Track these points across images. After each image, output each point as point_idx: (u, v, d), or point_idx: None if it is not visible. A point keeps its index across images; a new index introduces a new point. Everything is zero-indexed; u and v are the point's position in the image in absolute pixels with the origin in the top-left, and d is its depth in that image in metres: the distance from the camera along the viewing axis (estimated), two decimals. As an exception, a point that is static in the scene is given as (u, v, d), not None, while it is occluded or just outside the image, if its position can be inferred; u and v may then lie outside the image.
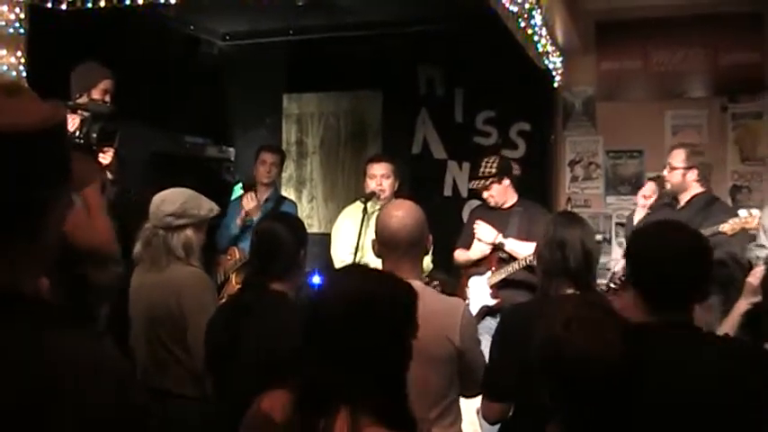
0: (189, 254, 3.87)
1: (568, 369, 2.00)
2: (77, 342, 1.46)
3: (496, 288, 5.51)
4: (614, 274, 5.49)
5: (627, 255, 2.65)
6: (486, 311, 5.44)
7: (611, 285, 5.27)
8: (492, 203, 5.68)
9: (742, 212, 5.02)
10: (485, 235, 5.55)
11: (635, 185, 7.21)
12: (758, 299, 3.24)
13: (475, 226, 5.61)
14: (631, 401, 2.06)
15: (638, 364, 2.24)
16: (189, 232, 3.88)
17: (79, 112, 4.00)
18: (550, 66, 6.81)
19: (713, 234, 4.74)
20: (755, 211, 5.03)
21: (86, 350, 1.46)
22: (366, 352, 1.97)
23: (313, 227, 8.11)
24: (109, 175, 4.18)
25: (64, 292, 3.06)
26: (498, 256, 5.55)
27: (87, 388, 1.38)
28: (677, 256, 2.47)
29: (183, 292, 3.72)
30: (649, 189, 5.87)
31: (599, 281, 5.24)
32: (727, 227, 4.87)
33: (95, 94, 4.59)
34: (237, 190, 7.22)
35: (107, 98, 4.63)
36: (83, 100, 4.49)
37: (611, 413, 2.01)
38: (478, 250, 5.62)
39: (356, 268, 2.48)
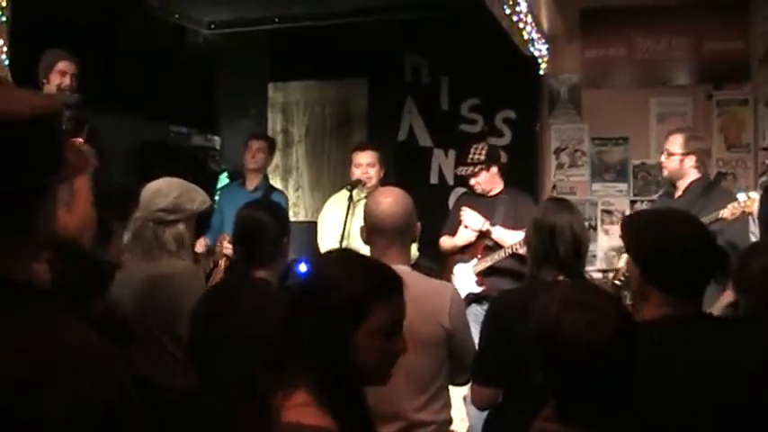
0: (180, 248, 3.83)
1: (563, 351, 2.00)
2: (69, 327, 1.46)
3: (482, 276, 5.52)
4: (617, 270, 5.34)
5: (637, 250, 2.58)
6: (471, 299, 5.44)
7: (616, 282, 5.21)
8: (479, 191, 5.67)
9: (740, 196, 4.84)
10: (472, 222, 5.54)
11: (620, 173, 7.24)
12: None
13: (462, 213, 5.61)
14: (636, 388, 2.05)
15: (658, 358, 2.25)
16: (181, 227, 3.81)
17: None
18: (536, 53, 6.82)
19: (713, 221, 4.67)
20: (754, 194, 4.83)
21: (78, 335, 1.46)
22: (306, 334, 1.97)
23: (299, 215, 8.11)
24: None
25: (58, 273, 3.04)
26: (484, 243, 5.55)
27: (81, 371, 1.39)
28: (695, 245, 2.47)
29: (175, 287, 3.66)
30: None
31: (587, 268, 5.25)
32: (726, 212, 4.71)
33: (55, 77, 4.59)
34: (223, 179, 7.22)
35: (66, 80, 4.62)
36: (49, 89, 4.48)
37: (608, 398, 2.00)
38: (464, 237, 5.62)
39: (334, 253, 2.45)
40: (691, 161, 5.15)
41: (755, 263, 3.02)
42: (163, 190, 3.83)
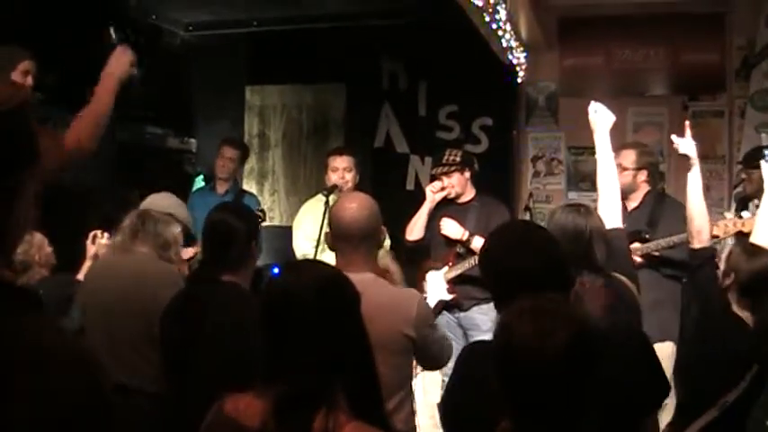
0: (173, 247, 3.84)
1: (513, 358, 1.98)
2: (37, 326, 1.43)
3: (453, 283, 5.51)
4: None
5: (486, 268, 2.68)
6: (442, 306, 5.44)
7: None
8: (452, 194, 5.63)
9: (728, 215, 4.87)
10: (451, 231, 5.52)
11: (596, 182, 7.26)
12: None
13: (441, 222, 5.58)
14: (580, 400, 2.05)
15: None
16: (177, 229, 3.89)
17: None
18: (514, 61, 6.83)
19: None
20: (747, 214, 4.83)
21: (47, 335, 1.43)
22: (340, 342, 1.99)
23: (275, 220, 8.09)
24: None
25: None
26: (455, 251, 5.53)
27: (46, 372, 1.36)
28: (538, 258, 2.52)
29: (156, 287, 3.61)
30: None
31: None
32: (719, 231, 4.65)
33: (15, 77, 4.47)
34: (199, 182, 7.17)
35: (29, 80, 4.52)
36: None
37: (564, 409, 1.98)
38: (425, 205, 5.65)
39: (304, 263, 2.47)
40: (643, 176, 5.29)
41: None
42: (161, 203, 4.01)
